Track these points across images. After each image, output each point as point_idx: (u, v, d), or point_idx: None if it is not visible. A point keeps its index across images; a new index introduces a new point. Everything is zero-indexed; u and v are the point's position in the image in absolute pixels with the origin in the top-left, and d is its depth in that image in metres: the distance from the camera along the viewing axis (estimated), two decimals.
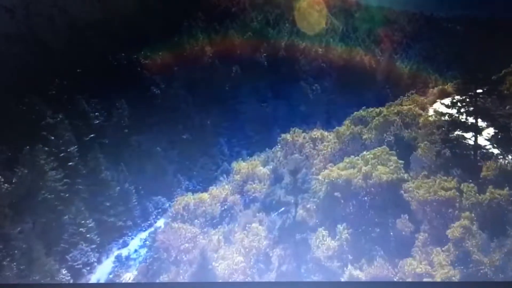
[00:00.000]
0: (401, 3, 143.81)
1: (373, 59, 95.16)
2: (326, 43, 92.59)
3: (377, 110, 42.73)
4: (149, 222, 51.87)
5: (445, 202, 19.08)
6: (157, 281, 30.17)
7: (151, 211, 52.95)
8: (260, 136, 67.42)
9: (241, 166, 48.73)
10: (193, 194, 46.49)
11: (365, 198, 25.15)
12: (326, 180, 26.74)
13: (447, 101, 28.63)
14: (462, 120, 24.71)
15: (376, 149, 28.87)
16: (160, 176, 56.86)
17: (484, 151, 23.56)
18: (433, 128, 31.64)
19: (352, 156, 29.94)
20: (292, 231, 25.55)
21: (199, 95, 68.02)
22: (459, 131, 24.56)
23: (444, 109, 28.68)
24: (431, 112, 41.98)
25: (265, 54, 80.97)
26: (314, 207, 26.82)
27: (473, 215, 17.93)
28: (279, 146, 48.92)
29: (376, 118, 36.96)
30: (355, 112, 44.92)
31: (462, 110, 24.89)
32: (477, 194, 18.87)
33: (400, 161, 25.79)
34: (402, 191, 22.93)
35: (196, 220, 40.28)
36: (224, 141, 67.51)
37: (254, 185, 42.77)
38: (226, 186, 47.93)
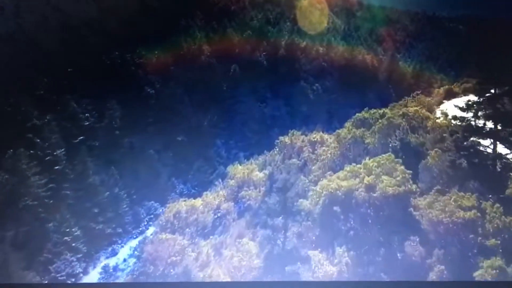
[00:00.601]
0: (403, 2, 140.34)
1: (375, 58, 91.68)
2: (327, 42, 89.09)
3: (380, 111, 39.30)
4: (140, 228, 48.50)
5: (465, 226, 15.66)
6: None
7: (143, 217, 49.60)
8: (259, 137, 64.05)
9: (237, 171, 45.72)
10: (185, 200, 43.51)
11: (368, 213, 21.72)
12: (324, 192, 23.33)
13: (460, 102, 25.06)
14: (479, 124, 21.23)
15: (380, 157, 25.42)
16: (153, 179, 53.56)
17: (505, 160, 20.12)
18: (443, 132, 28.18)
19: (354, 164, 26.52)
20: (281, 261, 22.11)
21: (196, 95, 64.62)
22: (476, 137, 21.09)
23: (457, 112, 25.17)
24: (438, 113, 38.50)
25: (264, 53, 77.50)
26: (309, 233, 23.26)
27: (498, 242, 14.58)
28: (277, 149, 45.74)
29: (380, 120, 33.51)
30: (357, 114, 41.42)
31: (480, 113, 21.37)
32: (504, 216, 15.46)
33: (408, 171, 22.34)
34: (411, 208, 19.50)
35: (187, 229, 37.27)
36: (221, 142, 64.07)
37: (249, 192, 39.72)
38: (221, 192, 44.85)
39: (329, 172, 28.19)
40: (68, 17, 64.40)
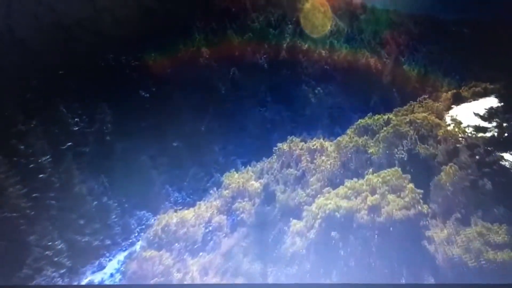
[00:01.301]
0: (407, 5, 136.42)
1: (379, 61, 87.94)
2: (330, 45, 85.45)
3: (385, 117, 35.63)
4: (130, 240, 45.02)
5: (496, 271, 12.05)
6: None
7: (133, 227, 46.09)
8: (258, 143, 60.35)
9: (232, 179, 42.25)
10: (176, 212, 40.18)
11: (372, 240, 18.08)
12: (320, 213, 19.71)
13: (480, 109, 21.40)
14: (506, 136, 17.53)
15: (385, 171, 21.77)
16: (146, 187, 50.09)
17: None
18: (456, 142, 24.49)
19: (355, 179, 22.88)
20: None
21: (193, 99, 61.12)
22: (502, 151, 17.41)
23: (473, 120, 21.55)
24: (448, 120, 34.78)
25: (265, 56, 73.94)
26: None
27: None
28: (275, 157, 42.27)
29: (385, 128, 29.83)
30: (360, 120, 37.73)
31: (506, 124, 17.64)
32: None
33: (418, 191, 18.69)
34: (425, 241, 15.84)
35: (176, 244, 33.85)
36: (218, 148, 60.52)
37: (243, 203, 36.28)
38: (214, 203, 41.33)
39: (327, 188, 24.59)
40: (61, 17, 61.21)
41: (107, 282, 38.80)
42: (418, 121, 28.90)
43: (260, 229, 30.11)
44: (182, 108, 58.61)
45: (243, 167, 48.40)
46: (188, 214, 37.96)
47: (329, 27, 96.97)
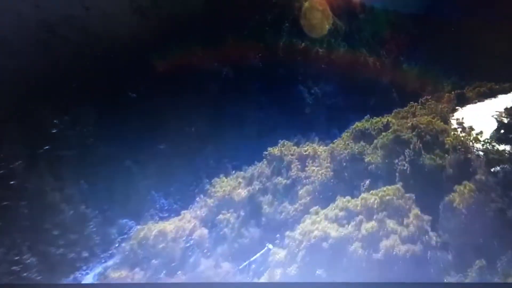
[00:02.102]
0: (407, 5, 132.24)
1: (378, 61, 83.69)
2: (327, 44, 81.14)
3: (384, 120, 31.57)
4: (110, 252, 41.01)
5: None
6: None
7: (114, 238, 42.07)
8: (251, 145, 56.13)
9: (219, 187, 38.75)
10: (157, 222, 36.53)
11: (367, 280, 13.98)
12: (305, 242, 15.65)
13: (491, 113, 17.30)
14: None
15: (384, 189, 17.72)
16: (130, 193, 46.11)
17: None
18: (467, 151, 20.38)
19: (348, 197, 18.83)
20: None
21: (183, 100, 57.01)
22: None
23: (489, 126, 17.49)
24: (454, 123, 30.69)
25: (259, 55, 69.68)
26: None
27: None
28: (265, 162, 38.49)
29: (384, 134, 25.75)
30: (356, 123, 33.65)
31: None
32: None
33: (426, 217, 14.62)
34: None
35: (153, 261, 30.15)
36: (209, 151, 56.39)
37: (227, 215, 32.65)
38: (199, 211, 37.65)
39: (315, 207, 20.53)
40: (47, 16, 57.06)
41: None
42: (421, 125, 24.80)
43: (241, 249, 26.04)
44: (171, 109, 54.50)
45: (234, 171, 44.49)
46: (168, 226, 34.43)
47: (327, 26, 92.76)
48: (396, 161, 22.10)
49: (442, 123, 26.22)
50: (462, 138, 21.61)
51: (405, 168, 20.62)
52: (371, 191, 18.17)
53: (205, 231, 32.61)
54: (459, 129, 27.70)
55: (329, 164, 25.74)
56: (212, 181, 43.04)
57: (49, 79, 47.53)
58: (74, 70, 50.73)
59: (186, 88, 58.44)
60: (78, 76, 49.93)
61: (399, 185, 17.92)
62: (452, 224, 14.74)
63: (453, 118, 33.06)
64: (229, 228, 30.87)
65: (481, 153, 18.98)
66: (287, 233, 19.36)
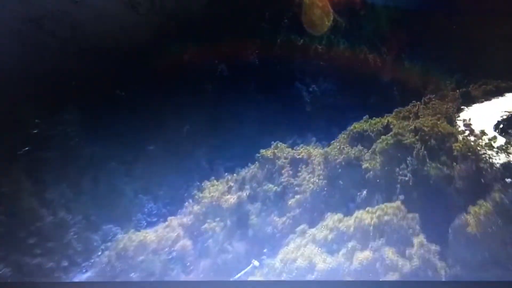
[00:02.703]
0: (408, 1, 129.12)
1: (379, 58, 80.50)
2: (327, 41, 78.00)
3: (384, 120, 28.68)
4: (92, 260, 38.19)
5: None
6: None
7: (96, 245, 39.24)
8: (245, 146, 53.25)
9: (207, 192, 36.04)
10: (139, 231, 33.84)
11: None
12: (285, 274, 12.75)
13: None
14: None
15: (383, 207, 14.82)
16: (116, 197, 43.32)
17: None
18: (478, 160, 17.46)
19: (340, 215, 15.93)
20: None
21: (175, 98, 54.11)
22: None
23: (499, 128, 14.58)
24: (460, 125, 27.71)
25: (256, 52, 66.65)
26: None
27: None
28: (257, 165, 35.67)
29: (383, 137, 22.80)
30: (354, 124, 30.71)
31: None
32: None
33: (432, 246, 11.71)
34: None
35: (132, 274, 27.40)
36: (202, 152, 53.52)
37: (213, 224, 29.83)
38: (185, 219, 34.94)
39: (302, 226, 17.62)
40: (32, 9, 54.18)
41: None
42: (425, 128, 21.82)
43: (225, 266, 23.21)
44: (162, 108, 51.62)
45: (226, 173, 41.65)
46: (150, 235, 31.63)
47: (327, 23, 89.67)
48: (397, 169, 19.22)
49: (448, 125, 23.30)
50: (473, 144, 18.71)
51: (407, 178, 17.75)
52: (367, 208, 15.32)
53: (188, 242, 29.92)
54: (467, 131, 24.65)
55: (321, 172, 22.85)
56: (202, 184, 40.53)
57: (31, 75, 44.70)
58: (59, 66, 47.86)
59: (178, 86, 55.52)
60: (63, 73, 47.03)
61: (399, 201, 15.02)
62: (465, 253, 11.86)
63: (459, 118, 30.12)
64: (214, 239, 28.09)
65: (495, 161, 16.12)
66: (266, 259, 16.51)
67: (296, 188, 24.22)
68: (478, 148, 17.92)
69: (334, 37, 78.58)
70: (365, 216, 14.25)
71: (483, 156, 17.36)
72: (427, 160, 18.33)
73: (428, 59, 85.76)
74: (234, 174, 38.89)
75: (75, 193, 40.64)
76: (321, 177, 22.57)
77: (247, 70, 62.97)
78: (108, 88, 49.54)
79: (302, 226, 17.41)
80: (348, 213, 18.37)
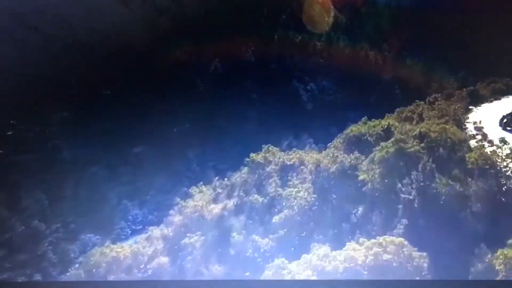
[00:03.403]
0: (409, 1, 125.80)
1: (380, 55, 76.89)
2: (326, 38, 74.54)
3: (384, 123, 25.17)
4: (68, 273, 34.90)
5: None
6: None
7: (73, 256, 35.96)
8: (239, 147, 49.92)
9: (192, 201, 32.80)
10: (115, 245, 30.45)
11: None
12: None
13: None
14: None
15: (381, 240, 11.43)
16: (98, 203, 40.08)
17: None
18: (497, 174, 13.96)
19: (328, 247, 12.53)
20: None
21: (165, 97, 50.82)
22: None
23: None
24: (471, 129, 24.20)
25: (252, 48, 63.22)
26: None
27: None
28: (247, 169, 32.42)
29: (383, 145, 19.28)
30: (351, 127, 27.14)
31: None
32: None
33: None
34: None
35: None
36: (193, 154, 50.16)
37: (193, 239, 26.58)
38: (166, 231, 31.63)
39: (281, 260, 14.13)
40: (16, 3, 51.00)
41: None
42: (432, 134, 18.31)
43: None
44: (150, 107, 48.32)
45: (217, 177, 38.29)
46: (126, 249, 28.27)
47: (327, 20, 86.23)
48: (399, 184, 15.84)
49: (458, 130, 19.79)
50: (490, 154, 15.30)
51: (411, 197, 14.37)
52: (361, 240, 11.98)
53: (165, 259, 26.51)
54: (478, 136, 21.14)
55: (312, 184, 19.47)
56: (190, 189, 37.17)
57: (7, 72, 41.56)
58: (39, 62, 44.70)
59: (169, 84, 52.15)
60: (42, 69, 43.83)
61: (402, 237, 11.61)
62: None
63: (468, 121, 26.60)
64: (193, 257, 24.85)
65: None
66: None
67: (284, 202, 20.83)
68: (498, 160, 14.52)
69: (334, 34, 75.11)
70: (358, 254, 10.93)
71: (505, 169, 13.95)
72: (436, 174, 14.90)
73: (430, 56, 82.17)
74: (225, 179, 35.64)
75: (53, 200, 37.40)
76: (311, 190, 19.16)
77: (242, 67, 59.51)
78: (92, 86, 46.26)
79: (280, 260, 13.99)
80: (340, 238, 15.11)
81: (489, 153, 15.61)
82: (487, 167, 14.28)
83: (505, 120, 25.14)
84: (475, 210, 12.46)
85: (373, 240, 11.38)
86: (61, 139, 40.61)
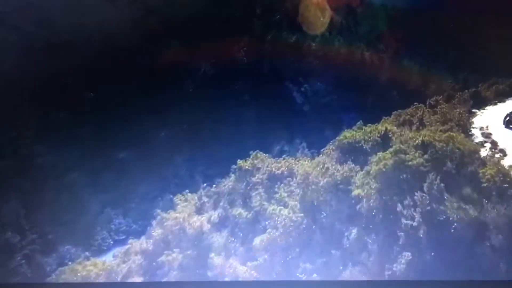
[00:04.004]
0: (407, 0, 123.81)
1: (376, 56, 74.50)
2: (321, 38, 72.09)
3: (381, 128, 22.41)
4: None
5: None
6: None
7: (50, 270, 33.14)
8: (229, 152, 47.20)
9: (173, 213, 30.25)
10: (85, 261, 27.81)
11: None
12: None
13: None
14: None
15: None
16: (79, 211, 37.38)
17: None
18: None
19: (318, 278, 9.81)
20: None
21: (152, 99, 48.13)
22: None
23: None
24: (478, 135, 21.56)
25: (244, 49, 60.60)
26: None
27: None
28: (233, 177, 29.92)
29: (381, 156, 16.53)
30: (344, 133, 24.29)
31: None
32: None
33: None
34: None
35: None
36: (181, 159, 47.45)
37: (172, 255, 24.01)
38: (145, 245, 29.01)
39: None
40: None
41: None
42: (437, 144, 15.59)
43: None
44: (135, 110, 45.59)
45: (205, 184, 35.67)
46: (98, 264, 25.67)
47: (323, 20, 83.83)
48: (400, 204, 13.21)
49: (467, 140, 17.10)
50: (508, 170, 12.68)
51: (415, 224, 11.71)
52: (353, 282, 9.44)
53: (139, 280, 23.86)
54: (487, 143, 18.53)
55: (296, 203, 16.81)
56: (175, 197, 34.43)
57: None
58: (18, 63, 41.97)
59: (156, 86, 49.45)
60: (22, 70, 41.11)
61: (404, 272, 9.07)
62: None
63: (474, 126, 23.96)
64: (168, 278, 22.34)
65: None
66: None
67: (267, 222, 18.16)
68: None
69: (329, 34, 72.71)
70: None
71: None
72: (445, 195, 12.23)
73: (428, 57, 79.76)
74: (214, 186, 33.08)
75: (29, 209, 34.66)
76: (297, 207, 16.48)
77: (233, 69, 56.85)
78: (74, 88, 43.48)
79: None
80: (327, 269, 12.48)
81: (506, 167, 13.00)
82: (506, 185, 11.66)
83: (508, 118, 24.07)
84: (495, 245, 9.83)
85: (370, 283, 8.79)
86: (39, 144, 37.77)
